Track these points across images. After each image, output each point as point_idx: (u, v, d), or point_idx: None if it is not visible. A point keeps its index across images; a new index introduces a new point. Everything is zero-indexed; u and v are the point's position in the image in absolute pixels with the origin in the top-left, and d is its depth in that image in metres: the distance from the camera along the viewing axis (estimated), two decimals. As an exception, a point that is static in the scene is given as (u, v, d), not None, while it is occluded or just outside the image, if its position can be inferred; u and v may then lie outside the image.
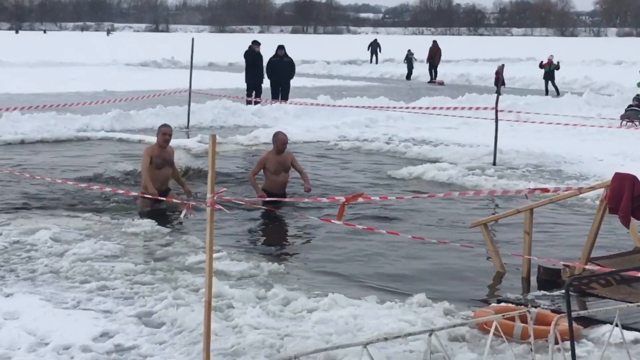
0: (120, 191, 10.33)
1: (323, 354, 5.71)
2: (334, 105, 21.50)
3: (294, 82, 25.52)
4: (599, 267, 7.47)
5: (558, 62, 32.43)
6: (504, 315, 5.25)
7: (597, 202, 8.07)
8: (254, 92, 23.74)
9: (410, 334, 5.06)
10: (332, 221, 7.27)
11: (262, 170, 11.31)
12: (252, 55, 23.80)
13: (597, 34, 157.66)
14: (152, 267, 8.04)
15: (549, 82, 32.01)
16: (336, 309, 6.74)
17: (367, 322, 6.43)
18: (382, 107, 21.22)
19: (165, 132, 10.84)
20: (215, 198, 5.08)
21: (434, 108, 20.29)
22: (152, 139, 16.96)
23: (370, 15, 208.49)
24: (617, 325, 5.06)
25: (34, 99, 24.16)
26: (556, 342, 4.80)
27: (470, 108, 18.91)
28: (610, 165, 13.96)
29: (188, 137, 17.99)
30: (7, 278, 7.68)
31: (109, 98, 22.95)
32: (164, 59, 47.90)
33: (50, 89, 28.68)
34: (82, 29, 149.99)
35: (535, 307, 6.61)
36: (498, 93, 16.04)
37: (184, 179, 11.62)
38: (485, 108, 17.36)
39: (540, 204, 8.10)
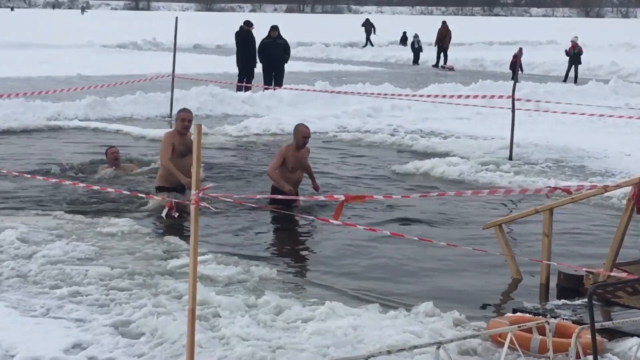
0: (110, 190, 10.27)
1: (319, 369, 5.72)
2: (333, 92, 21.51)
3: (289, 67, 25.53)
4: (625, 273, 7.49)
5: (580, 48, 32.32)
6: (520, 327, 5.27)
7: (624, 202, 8.08)
8: (245, 78, 23.77)
9: (416, 347, 5.08)
10: (330, 221, 7.27)
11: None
12: (244, 36, 23.82)
13: (626, 15, 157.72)
14: (130, 271, 8.04)
15: (572, 68, 31.97)
16: (334, 318, 6.74)
17: (369, 334, 6.44)
18: (386, 94, 21.21)
19: (184, 118, 10.75)
20: (200, 195, 5.09)
21: (444, 96, 20.27)
22: (131, 129, 17.10)
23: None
24: (645, 338, 5.07)
25: (0, 84, 24.15)
26: (577, 357, 4.82)
27: (484, 96, 18.90)
28: (639, 161, 13.99)
29: (171, 127, 17.97)
30: (-31, 283, 7.68)
31: (83, 84, 22.95)
32: (144, 40, 47.88)
33: (18, 73, 28.66)
34: (54, 6, 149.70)
35: (555, 317, 6.62)
36: (515, 80, 16.05)
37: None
38: (501, 96, 17.35)
39: (561, 203, 8.11)
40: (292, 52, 27.07)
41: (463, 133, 17.50)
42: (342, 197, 6.64)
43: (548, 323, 5.28)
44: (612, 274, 7.35)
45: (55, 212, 10.26)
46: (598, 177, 13.21)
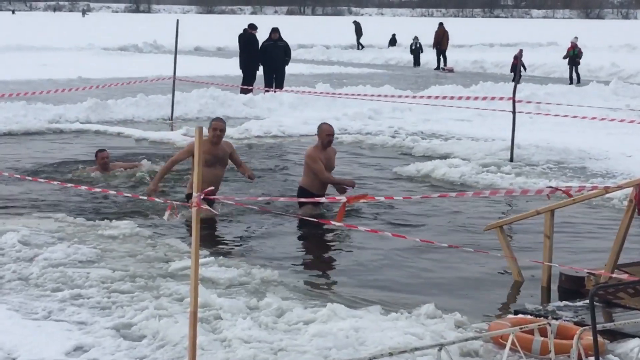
0: (112, 192, 10.27)
1: (321, 371, 5.72)
2: (334, 95, 21.50)
3: (290, 69, 25.53)
4: (627, 275, 7.48)
5: (580, 49, 32.33)
6: (521, 328, 5.27)
7: (625, 203, 8.07)
8: (249, 81, 23.73)
9: (417, 349, 5.08)
10: (332, 222, 7.27)
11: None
12: (247, 39, 23.79)
13: (626, 16, 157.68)
14: (132, 273, 8.03)
15: (573, 69, 31.98)
16: (335, 320, 6.74)
17: (370, 336, 6.43)
18: (387, 96, 21.20)
19: (216, 127, 10.70)
20: (202, 197, 5.09)
21: (445, 98, 20.29)
22: (132, 132, 17.09)
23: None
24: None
25: (1, 87, 24.16)
26: (579, 358, 4.81)
27: (484, 98, 18.90)
28: (640, 162, 13.99)
29: (172, 130, 18.00)
30: (-30, 286, 7.68)
31: (84, 86, 22.93)
32: (145, 42, 47.93)
33: (20, 76, 28.66)
34: (55, 8, 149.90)
35: (557, 318, 6.61)
36: (516, 82, 16.05)
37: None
38: (502, 98, 17.36)
39: (562, 205, 8.10)
40: (293, 54, 27.08)
41: (464, 135, 17.49)
42: (343, 199, 6.65)
43: (550, 324, 5.27)
44: (614, 275, 7.34)
45: (57, 214, 10.26)
46: (599, 178, 13.21)
